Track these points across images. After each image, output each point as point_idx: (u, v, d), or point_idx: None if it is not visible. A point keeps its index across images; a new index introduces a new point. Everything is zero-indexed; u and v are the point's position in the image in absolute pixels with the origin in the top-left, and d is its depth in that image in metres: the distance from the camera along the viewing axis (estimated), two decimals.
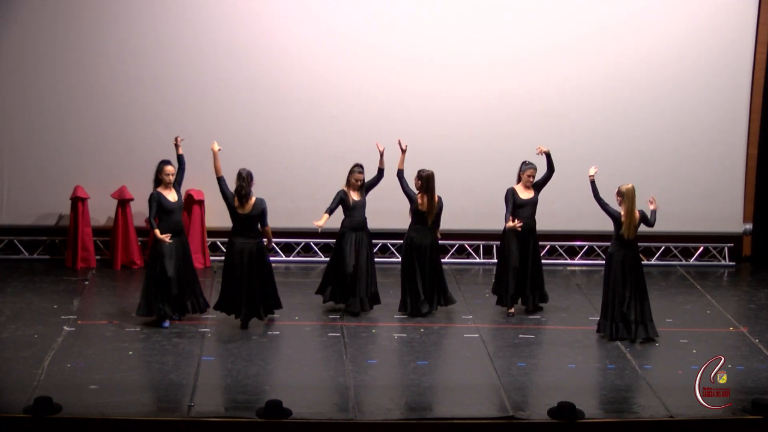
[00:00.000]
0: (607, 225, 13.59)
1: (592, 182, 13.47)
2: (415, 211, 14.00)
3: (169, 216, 13.51)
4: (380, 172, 14.09)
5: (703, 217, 16.68)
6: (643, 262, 16.73)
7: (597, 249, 16.67)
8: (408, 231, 14.11)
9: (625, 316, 13.29)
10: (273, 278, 13.67)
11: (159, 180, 13.54)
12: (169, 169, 13.51)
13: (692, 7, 16.27)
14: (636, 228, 13.36)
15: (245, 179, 13.23)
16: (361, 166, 14.13)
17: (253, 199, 13.33)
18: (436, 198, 13.97)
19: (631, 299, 13.31)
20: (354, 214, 14.13)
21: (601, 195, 13.39)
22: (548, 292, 14.49)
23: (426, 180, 13.86)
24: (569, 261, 16.72)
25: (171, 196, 13.53)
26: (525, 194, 14.13)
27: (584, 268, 16.60)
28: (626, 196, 13.27)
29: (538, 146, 14.07)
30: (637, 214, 13.33)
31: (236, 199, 13.27)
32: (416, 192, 13.94)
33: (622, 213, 13.29)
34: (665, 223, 16.57)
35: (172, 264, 13.41)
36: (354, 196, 14.11)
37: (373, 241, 14.80)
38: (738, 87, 16.44)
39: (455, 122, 16.24)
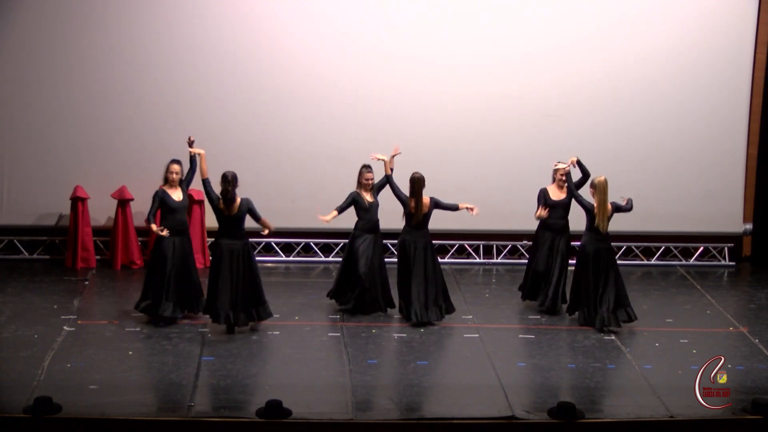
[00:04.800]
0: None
1: (568, 174, 13.94)
2: (408, 214, 13.81)
3: (173, 215, 13.50)
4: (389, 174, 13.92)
5: (703, 217, 16.66)
6: (643, 262, 16.73)
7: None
8: (402, 233, 13.90)
9: (597, 307, 13.59)
10: (260, 280, 13.48)
11: (166, 178, 13.54)
12: (175, 167, 13.47)
13: (692, 7, 16.26)
14: (609, 220, 13.56)
15: (231, 182, 13.07)
16: (369, 167, 14.02)
17: (239, 200, 13.22)
18: (427, 200, 13.72)
19: (603, 291, 13.58)
20: (368, 216, 14.03)
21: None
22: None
23: (411, 183, 13.66)
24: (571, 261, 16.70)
25: (176, 195, 13.51)
26: (557, 195, 14.17)
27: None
28: (599, 189, 13.54)
29: (570, 160, 13.98)
30: (610, 206, 13.56)
31: (221, 201, 13.16)
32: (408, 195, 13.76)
33: (595, 205, 13.53)
34: (665, 223, 16.62)
35: (172, 263, 13.42)
36: (367, 197, 14.02)
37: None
38: (738, 87, 16.43)
39: (455, 122, 16.22)
